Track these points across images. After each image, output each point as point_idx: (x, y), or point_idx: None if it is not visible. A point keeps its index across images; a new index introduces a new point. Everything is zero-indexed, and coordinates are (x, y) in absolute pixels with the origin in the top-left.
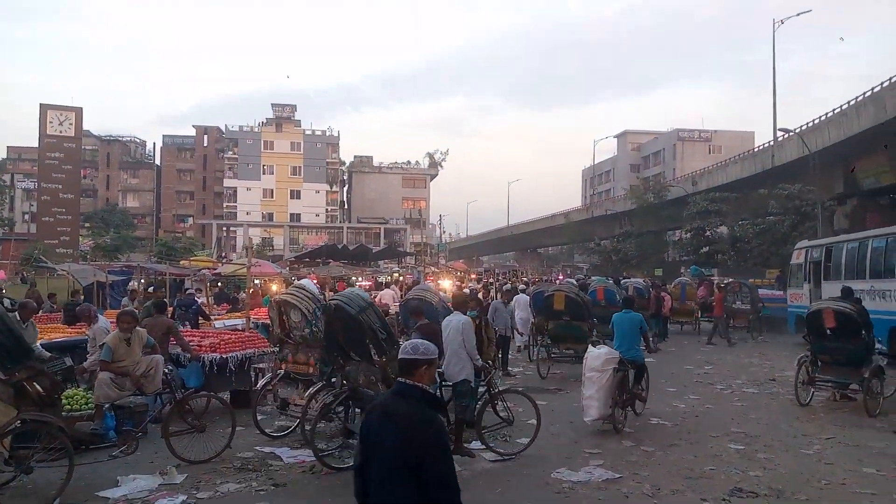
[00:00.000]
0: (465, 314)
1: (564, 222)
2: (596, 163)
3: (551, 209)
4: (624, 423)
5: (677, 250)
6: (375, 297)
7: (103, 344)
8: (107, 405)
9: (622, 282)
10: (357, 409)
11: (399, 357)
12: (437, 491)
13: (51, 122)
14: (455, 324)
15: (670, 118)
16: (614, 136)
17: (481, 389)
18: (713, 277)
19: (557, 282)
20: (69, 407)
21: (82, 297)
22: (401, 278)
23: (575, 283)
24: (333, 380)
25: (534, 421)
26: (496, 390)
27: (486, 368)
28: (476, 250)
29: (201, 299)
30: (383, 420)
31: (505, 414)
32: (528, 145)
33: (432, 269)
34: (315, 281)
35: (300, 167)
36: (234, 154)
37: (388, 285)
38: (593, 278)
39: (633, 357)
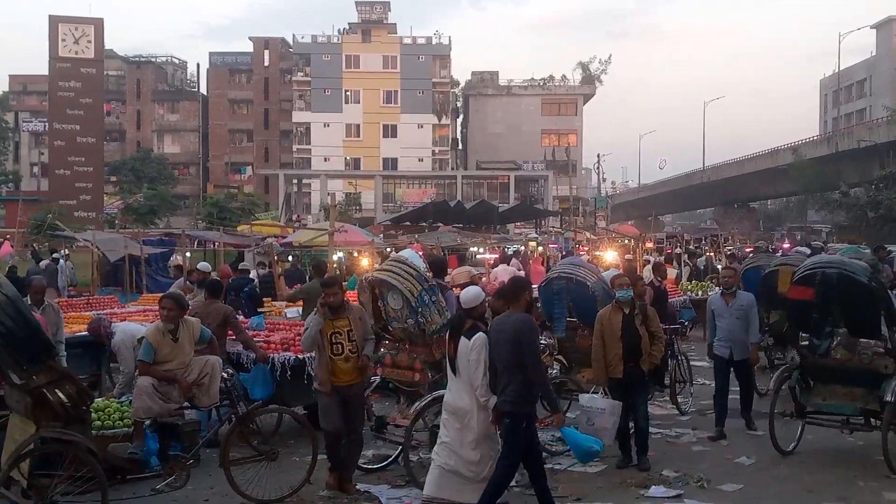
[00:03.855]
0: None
1: (792, 161)
2: (842, 69)
3: (770, 142)
4: None
5: None
6: (487, 277)
7: (142, 338)
8: (148, 422)
9: (889, 252)
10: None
11: None
12: None
13: (63, 40)
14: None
15: None
16: (871, 27)
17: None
18: None
19: (782, 252)
20: (100, 423)
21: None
22: (540, 248)
23: (810, 252)
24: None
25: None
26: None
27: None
28: (654, 206)
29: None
30: None
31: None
32: (733, 47)
33: (587, 235)
34: (420, 252)
35: (396, 92)
36: (306, 76)
37: (510, 258)
38: (838, 247)
39: None
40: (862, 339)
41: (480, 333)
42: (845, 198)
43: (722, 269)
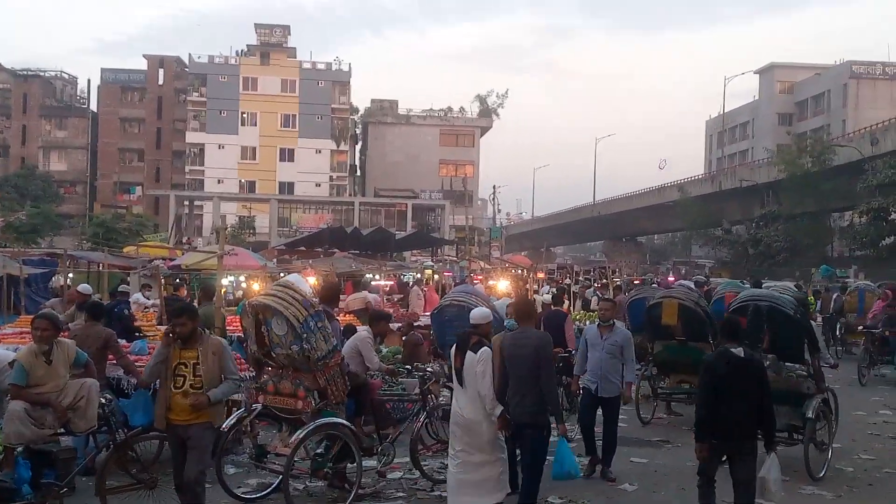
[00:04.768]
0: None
1: (678, 198)
2: (727, 111)
3: (658, 179)
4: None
5: (846, 241)
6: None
7: (13, 361)
8: (19, 448)
9: (764, 286)
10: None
11: None
12: None
13: None
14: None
15: (837, 45)
16: (755, 73)
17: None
18: (848, 280)
19: (667, 285)
20: None
21: None
22: (436, 276)
23: (693, 286)
24: None
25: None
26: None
27: None
28: (546, 238)
29: (151, 300)
30: None
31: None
32: (624, 86)
33: (482, 264)
34: (312, 277)
35: (294, 116)
36: (202, 96)
37: (412, 285)
38: (719, 281)
39: None
40: (787, 364)
41: (486, 348)
42: (727, 234)
43: (600, 300)
